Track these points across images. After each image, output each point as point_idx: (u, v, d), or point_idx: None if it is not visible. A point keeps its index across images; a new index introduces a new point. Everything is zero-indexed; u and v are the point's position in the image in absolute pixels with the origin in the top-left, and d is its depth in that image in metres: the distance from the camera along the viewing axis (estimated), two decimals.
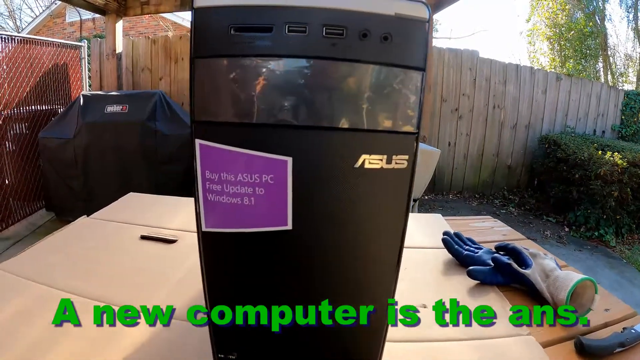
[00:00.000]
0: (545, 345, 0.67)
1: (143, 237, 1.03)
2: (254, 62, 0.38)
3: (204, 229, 0.43)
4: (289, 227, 0.42)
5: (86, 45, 4.73)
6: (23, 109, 3.76)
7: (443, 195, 5.27)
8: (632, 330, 0.67)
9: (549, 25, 8.12)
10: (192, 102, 0.39)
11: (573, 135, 5.09)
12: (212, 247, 0.44)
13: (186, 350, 0.63)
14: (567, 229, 4.21)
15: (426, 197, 5.05)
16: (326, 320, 0.50)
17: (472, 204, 5.02)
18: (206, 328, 0.63)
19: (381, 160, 0.40)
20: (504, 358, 0.64)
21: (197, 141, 0.39)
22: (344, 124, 0.39)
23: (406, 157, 0.41)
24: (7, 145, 3.61)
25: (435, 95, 4.96)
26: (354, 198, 0.42)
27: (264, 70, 0.38)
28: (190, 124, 0.40)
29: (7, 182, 3.59)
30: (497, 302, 0.79)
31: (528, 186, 5.42)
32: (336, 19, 0.37)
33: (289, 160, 0.40)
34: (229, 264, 0.46)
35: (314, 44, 0.37)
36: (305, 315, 0.49)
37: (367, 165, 0.41)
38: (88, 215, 1.19)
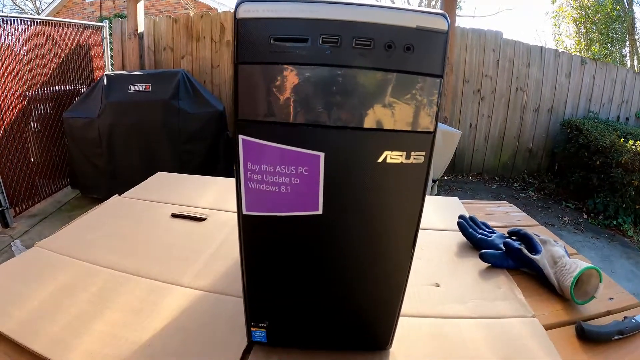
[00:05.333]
0: (548, 327, 0.71)
1: (174, 215, 1.10)
2: (291, 69, 0.43)
3: (244, 212, 0.49)
4: (320, 212, 0.49)
5: (108, 26, 4.74)
6: (47, 90, 3.82)
7: (463, 176, 5.23)
8: (633, 320, 0.70)
9: (575, 7, 7.82)
10: (235, 102, 0.45)
11: (596, 121, 4.97)
12: (250, 228, 0.51)
13: (219, 320, 0.69)
14: (585, 216, 4.16)
15: (446, 178, 5.04)
16: (348, 294, 0.56)
17: (491, 186, 4.97)
18: (236, 300, 0.70)
19: (401, 156, 0.46)
20: (509, 337, 0.69)
21: (240, 137, 0.45)
22: (370, 124, 0.45)
23: (423, 153, 0.46)
24: (32, 125, 3.68)
25: (457, 76, 4.89)
26: (376, 188, 0.48)
27: (300, 76, 0.43)
28: (234, 122, 0.45)
29: (32, 160, 3.67)
30: (506, 284, 0.84)
31: (548, 171, 5.33)
32: (365, 32, 0.42)
33: (322, 155, 0.46)
34: (265, 243, 0.53)
35: (345, 54, 0.42)
36: (330, 288, 0.55)
37: (388, 160, 0.46)
38: (114, 193, 1.25)
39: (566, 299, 0.79)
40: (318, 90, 0.44)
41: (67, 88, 4.09)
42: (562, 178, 4.92)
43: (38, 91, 3.72)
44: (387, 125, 0.45)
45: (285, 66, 0.43)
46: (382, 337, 0.62)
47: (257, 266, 0.54)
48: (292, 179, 0.47)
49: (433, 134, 0.45)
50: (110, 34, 4.95)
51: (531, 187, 5.01)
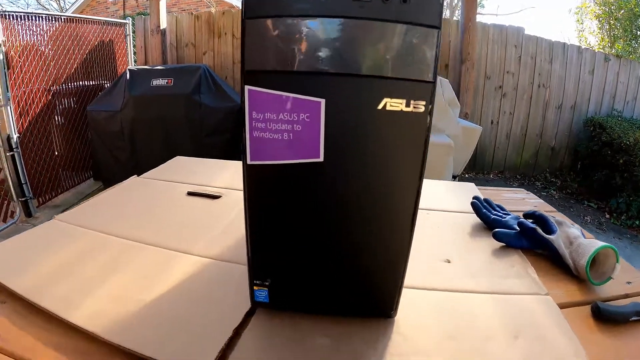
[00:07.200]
0: (562, 307, 0.68)
1: (190, 194, 1.12)
2: (295, 21, 0.45)
3: (249, 162, 0.51)
4: (321, 159, 0.50)
5: (130, 23, 4.83)
6: (71, 85, 3.93)
7: (484, 174, 5.17)
8: None
9: (599, 3, 7.64)
10: (243, 55, 0.47)
11: (620, 118, 4.85)
12: (254, 177, 0.52)
13: (225, 285, 0.71)
14: (607, 216, 4.06)
15: (466, 175, 4.99)
16: (350, 249, 0.57)
17: (512, 184, 4.88)
18: (243, 268, 0.71)
19: (401, 103, 0.47)
20: (521, 312, 0.66)
21: (247, 87, 0.47)
22: (370, 71, 0.47)
23: (423, 102, 0.48)
24: (56, 118, 3.80)
25: (479, 71, 4.84)
26: (377, 135, 0.50)
27: (303, 27, 0.46)
28: (241, 73, 0.47)
29: (56, 153, 3.79)
30: (520, 263, 0.82)
31: (571, 169, 5.23)
32: None
33: (323, 101, 0.47)
34: (268, 192, 0.54)
35: (345, 6, 0.45)
36: (333, 242, 0.57)
37: (388, 107, 0.48)
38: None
39: (582, 280, 0.76)
40: (320, 40, 0.46)
41: (91, 83, 4.20)
42: (585, 177, 4.82)
43: (62, 86, 3.82)
44: (386, 73, 0.47)
45: (289, 18, 0.45)
46: (386, 303, 0.62)
47: (261, 219, 0.56)
48: (294, 125, 0.48)
49: (433, 83, 0.46)
50: (134, 31, 5.04)
51: (553, 186, 4.92)
